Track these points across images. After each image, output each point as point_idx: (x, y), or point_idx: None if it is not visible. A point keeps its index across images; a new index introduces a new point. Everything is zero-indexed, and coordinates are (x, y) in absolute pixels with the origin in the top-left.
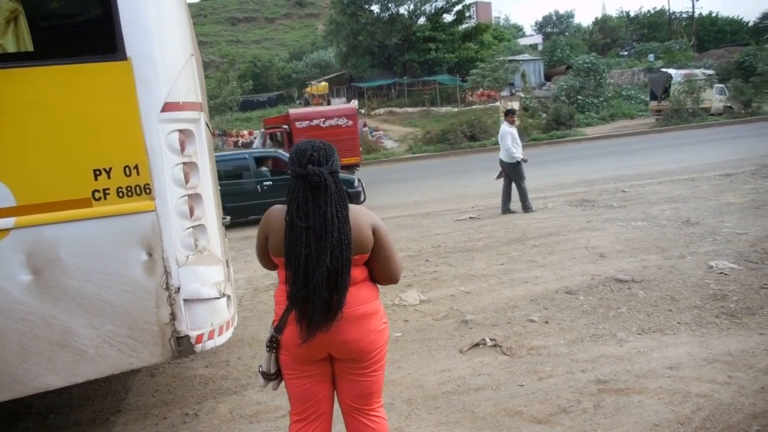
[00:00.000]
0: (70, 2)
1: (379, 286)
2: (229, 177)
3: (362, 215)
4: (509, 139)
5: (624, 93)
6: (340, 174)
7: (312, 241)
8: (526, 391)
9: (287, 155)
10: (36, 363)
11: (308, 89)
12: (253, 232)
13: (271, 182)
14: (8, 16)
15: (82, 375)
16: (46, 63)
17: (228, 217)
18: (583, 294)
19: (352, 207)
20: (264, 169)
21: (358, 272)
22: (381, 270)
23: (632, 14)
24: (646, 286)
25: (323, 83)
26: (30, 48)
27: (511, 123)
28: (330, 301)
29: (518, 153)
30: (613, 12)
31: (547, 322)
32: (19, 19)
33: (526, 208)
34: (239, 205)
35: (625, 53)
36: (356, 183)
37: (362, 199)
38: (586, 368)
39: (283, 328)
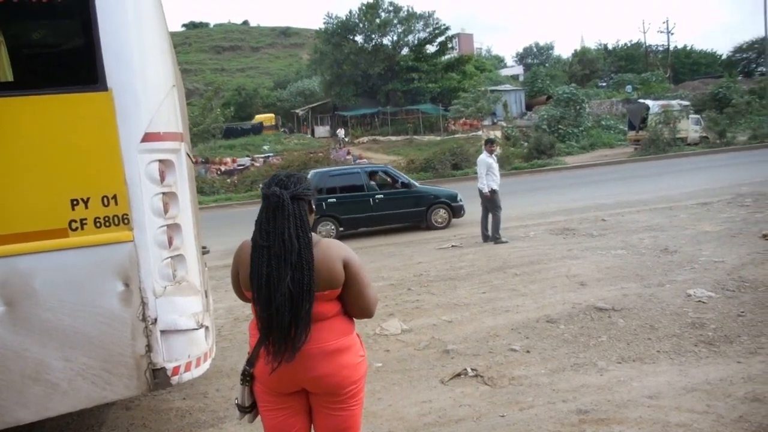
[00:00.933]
0: (52, 33)
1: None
2: (343, 191)
3: (332, 249)
4: (484, 168)
5: (603, 123)
6: (443, 188)
7: (273, 261)
8: (507, 421)
9: (396, 171)
10: (7, 397)
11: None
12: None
13: (382, 195)
14: None
15: (54, 409)
16: (26, 93)
17: (207, 247)
18: (564, 323)
19: (323, 241)
20: (374, 183)
21: (329, 307)
22: (353, 304)
23: (610, 47)
24: (626, 314)
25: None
26: (10, 78)
27: (490, 152)
28: (290, 330)
29: (489, 183)
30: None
31: (528, 352)
32: (0, 48)
33: (496, 239)
34: (353, 217)
35: (604, 84)
36: (458, 198)
37: (462, 213)
38: (567, 398)
39: (254, 361)
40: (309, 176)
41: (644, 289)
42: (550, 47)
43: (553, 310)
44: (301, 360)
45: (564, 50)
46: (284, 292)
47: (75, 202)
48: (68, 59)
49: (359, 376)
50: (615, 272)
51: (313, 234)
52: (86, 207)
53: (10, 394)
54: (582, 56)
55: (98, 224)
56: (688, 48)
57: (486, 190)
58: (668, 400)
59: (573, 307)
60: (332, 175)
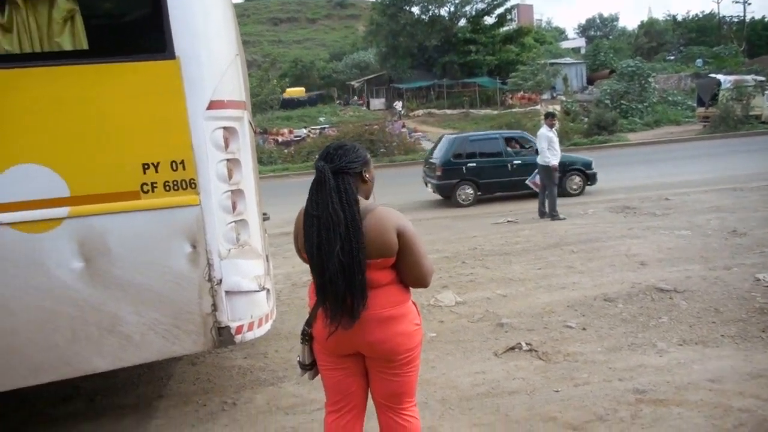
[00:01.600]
0: (122, 2)
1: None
2: (482, 156)
3: (386, 218)
4: (545, 142)
5: (670, 98)
6: (578, 155)
7: (323, 231)
8: (561, 396)
9: (533, 137)
10: (85, 346)
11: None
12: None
13: (519, 161)
14: (65, 16)
15: (127, 360)
16: (99, 61)
17: (267, 214)
18: (622, 302)
19: (378, 209)
20: (511, 149)
21: (383, 275)
22: (408, 274)
23: (679, 18)
24: (689, 296)
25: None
26: (85, 46)
27: (551, 126)
28: (345, 299)
29: (552, 159)
30: (659, 15)
31: (584, 329)
32: (75, 18)
33: (553, 215)
34: (491, 182)
35: (672, 58)
36: (592, 165)
37: (596, 180)
38: (624, 377)
39: (312, 322)
40: (442, 141)
41: (709, 272)
42: (614, 18)
43: (611, 289)
44: (358, 324)
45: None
46: (335, 262)
47: (146, 167)
48: (138, 29)
49: (414, 344)
50: (678, 253)
51: (368, 202)
52: (156, 171)
53: (88, 344)
54: (649, 28)
55: (167, 188)
56: (766, 19)
57: (551, 163)
58: (731, 385)
59: (632, 286)
60: (472, 140)
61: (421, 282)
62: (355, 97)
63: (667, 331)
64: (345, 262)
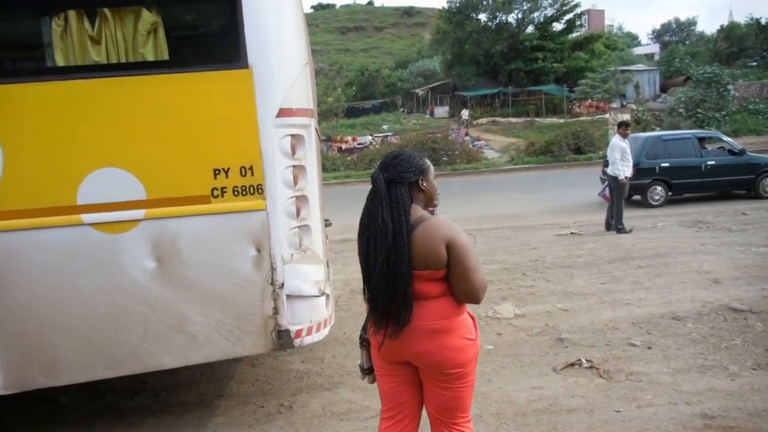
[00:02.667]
0: (200, 15)
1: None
2: (675, 155)
3: (436, 229)
4: (618, 153)
5: (751, 107)
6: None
7: (372, 240)
8: (622, 417)
9: (726, 137)
10: (154, 343)
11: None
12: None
13: (713, 162)
14: (149, 28)
15: (193, 358)
16: (178, 70)
17: (329, 220)
18: (692, 321)
19: (430, 221)
20: (705, 149)
21: (433, 287)
22: (458, 287)
23: (763, 22)
24: (766, 318)
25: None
26: (166, 57)
27: (624, 136)
28: (388, 308)
29: (625, 170)
30: (741, 19)
31: (649, 348)
32: (158, 30)
33: (618, 228)
34: (684, 182)
35: (754, 63)
36: None
37: None
38: (691, 401)
39: (367, 327)
40: (633, 141)
41: None
42: (692, 23)
43: (680, 307)
44: (405, 334)
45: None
46: (379, 272)
47: (217, 172)
48: (214, 39)
49: (466, 359)
50: (755, 271)
51: (423, 212)
52: (226, 176)
53: (157, 341)
54: (729, 32)
55: (236, 193)
56: None
57: (622, 176)
58: None
59: (703, 305)
60: (664, 140)
61: (472, 297)
62: (425, 106)
63: (740, 353)
64: (388, 273)
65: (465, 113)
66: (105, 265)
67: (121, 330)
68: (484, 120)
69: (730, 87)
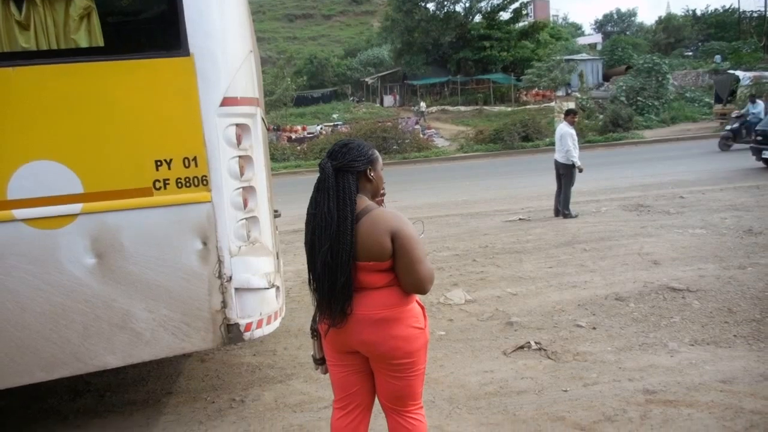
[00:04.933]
0: (138, 0)
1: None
2: None
3: (381, 220)
4: (570, 140)
5: (687, 95)
6: None
7: (317, 229)
8: (570, 396)
9: None
10: (96, 342)
11: None
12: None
13: None
14: (81, 13)
15: (138, 356)
16: (114, 58)
17: (278, 211)
18: (633, 301)
19: (375, 211)
20: None
21: (379, 277)
22: (404, 278)
23: (698, 13)
24: (702, 296)
25: None
26: (101, 43)
27: (571, 123)
28: (333, 298)
29: (576, 157)
30: (678, 10)
31: (594, 328)
32: (91, 15)
33: (566, 214)
34: None
35: (690, 53)
36: None
37: None
38: (634, 377)
39: (317, 318)
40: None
41: (723, 271)
42: (632, 14)
43: (623, 288)
44: (351, 324)
45: (648, 17)
46: (323, 262)
47: (159, 163)
48: (153, 26)
49: (414, 348)
50: (692, 252)
51: (370, 203)
52: (169, 168)
53: (99, 340)
54: (667, 23)
55: (180, 185)
56: None
57: (577, 162)
58: (743, 386)
59: (644, 285)
60: None
61: (419, 288)
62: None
63: (678, 330)
64: (330, 262)
65: (423, 105)
66: (40, 262)
67: (60, 330)
68: (434, 108)
69: (668, 76)
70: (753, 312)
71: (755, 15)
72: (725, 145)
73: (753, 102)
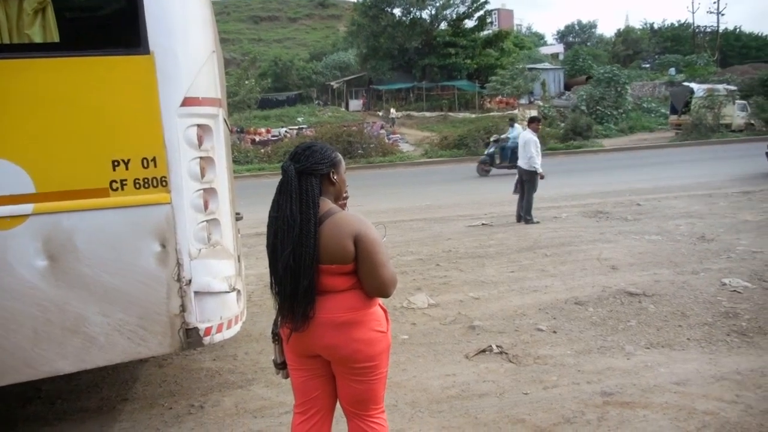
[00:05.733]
0: None
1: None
2: None
3: (344, 224)
4: (533, 147)
5: (644, 105)
6: None
7: (279, 232)
8: (530, 399)
9: None
10: (47, 348)
11: None
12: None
13: None
14: (36, 7)
15: (91, 361)
16: (70, 54)
17: (240, 214)
18: (592, 305)
19: (338, 215)
20: None
21: (341, 281)
22: (367, 282)
23: (656, 26)
24: (657, 300)
25: None
26: (56, 39)
27: (536, 131)
28: (295, 301)
29: (539, 165)
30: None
31: (555, 332)
32: (46, 9)
33: (527, 219)
34: None
35: (647, 65)
36: None
37: None
38: (592, 380)
39: (279, 322)
40: None
41: (677, 276)
42: (593, 26)
43: (582, 293)
44: (313, 327)
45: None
46: (285, 265)
47: (116, 163)
48: (112, 22)
49: (376, 352)
50: (648, 258)
51: (333, 206)
52: (127, 168)
53: (50, 345)
54: (626, 36)
55: (138, 186)
56: (738, 30)
57: (540, 170)
58: (696, 388)
59: (603, 290)
60: None
61: (382, 292)
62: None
63: (635, 334)
64: (293, 265)
65: (393, 111)
66: None
67: (8, 335)
68: (399, 114)
69: (627, 86)
70: (705, 316)
71: (708, 30)
72: (483, 170)
73: (512, 126)
